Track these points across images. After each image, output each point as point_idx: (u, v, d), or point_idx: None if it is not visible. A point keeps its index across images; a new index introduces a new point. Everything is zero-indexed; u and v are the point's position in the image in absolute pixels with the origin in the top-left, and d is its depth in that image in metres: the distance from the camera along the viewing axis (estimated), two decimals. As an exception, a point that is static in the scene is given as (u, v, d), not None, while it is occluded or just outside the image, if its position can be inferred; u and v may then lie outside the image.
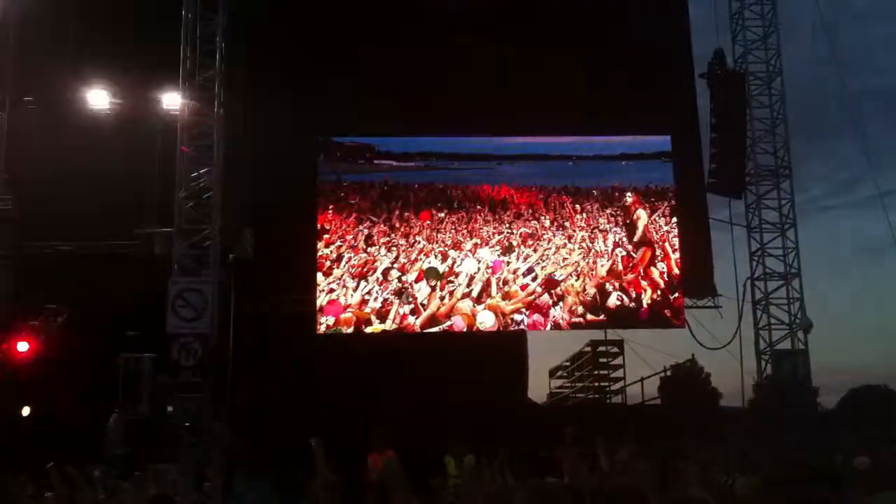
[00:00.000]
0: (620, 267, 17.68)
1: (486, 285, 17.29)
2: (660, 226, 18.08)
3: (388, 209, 17.83)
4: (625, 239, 17.88)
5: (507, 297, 17.32)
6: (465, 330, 17.05)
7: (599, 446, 7.87)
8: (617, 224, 17.98)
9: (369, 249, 17.47)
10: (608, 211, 18.07)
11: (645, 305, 17.59)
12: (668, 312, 17.75)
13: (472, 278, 17.30)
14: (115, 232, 16.31)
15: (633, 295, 17.59)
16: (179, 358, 15.72)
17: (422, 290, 17.21)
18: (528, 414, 19.74)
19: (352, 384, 16.34)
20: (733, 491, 6.57)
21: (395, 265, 17.36)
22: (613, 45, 18.90)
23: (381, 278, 17.23)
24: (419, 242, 17.55)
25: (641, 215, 18.02)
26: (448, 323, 17.08)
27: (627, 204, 18.08)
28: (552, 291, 17.42)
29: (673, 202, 18.21)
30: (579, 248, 17.74)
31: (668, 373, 23.79)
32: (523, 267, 17.49)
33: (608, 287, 17.54)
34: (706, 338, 18.79)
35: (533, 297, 17.36)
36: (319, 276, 17.20)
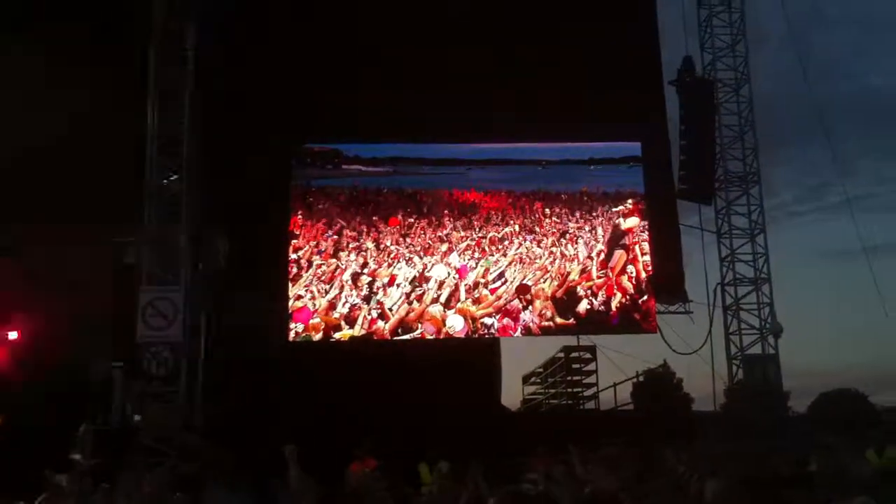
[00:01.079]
0: (593, 271, 17.75)
1: (455, 290, 17.31)
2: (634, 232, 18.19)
3: (357, 214, 17.81)
4: (596, 243, 17.95)
5: (476, 301, 17.35)
6: (434, 335, 17.05)
7: (573, 453, 7.86)
8: (589, 227, 18.06)
9: (338, 254, 17.44)
10: (577, 215, 18.15)
11: (614, 309, 17.67)
12: (637, 316, 17.85)
13: (441, 283, 17.31)
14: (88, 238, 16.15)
15: (604, 298, 17.66)
16: (150, 367, 15.59)
17: (391, 296, 17.19)
18: (501, 420, 19.69)
19: (323, 392, 16.23)
20: (701, 492, 6.60)
21: (365, 270, 17.34)
22: (582, 52, 18.97)
23: (350, 283, 17.21)
24: (388, 247, 17.54)
25: (632, 222, 18.11)
26: (419, 330, 17.08)
27: (623, 209, 18.16)
28: (522, 296, 17.46)
29: (641, 205, 18.31)
30: (549, 253, 17.80)
31: (641, 378, 23.86)
32: (493, 271, 17.52)
33: (578, 291, 17.60)
34: (678, 343, 18.94)
35: (503, 301, 17.40)
36: (290, 283, 17.16)
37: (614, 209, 18.19)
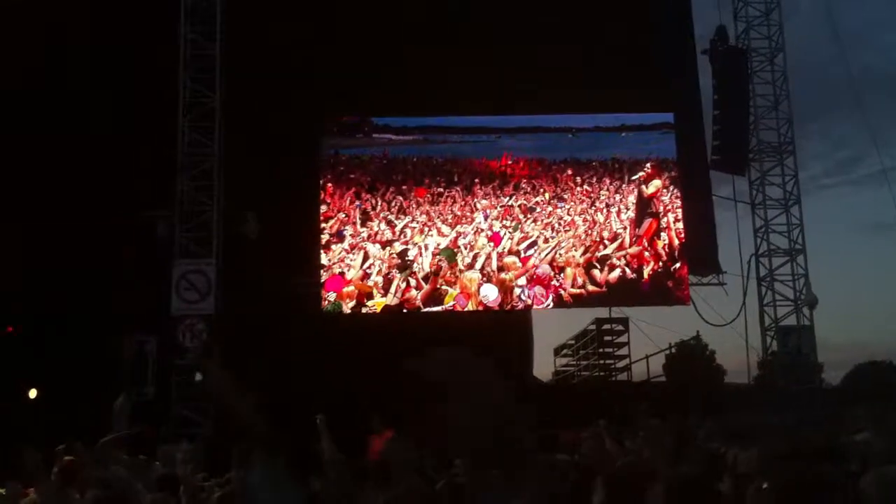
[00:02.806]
0: (625, 238, 17.68)
1: (488, 258, 17.31)
2: (661, 198, 18.07)
3: (387, 183, 17.81)
4: (627, 210, 17.87)
5: (508, 269, 17.32)
6: (467, 304, 17.05)
7: (603, 428, 7.84)
8: (619, 195, 17.98)
9: (368, 223, 17.47)
10: (608, 182, 18.05)
11: (646, 276, 17.59)
12: (670, 284, 17.76)
13: (473, 251, 17.31)
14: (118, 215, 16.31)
15: (635, 266, 17.59)
16: (184, 340, 15.79)
17: (423, 264, 17.22)
18: (533, 392, 19.73)
19: (355, 363, 16.34)
20: (729, 463, 6.59)
21: (397, 239, 17.37)
22: (615, 23, 18.77)
23: (381, 252, 17.25)
24: (419, 216, 17.56)
25: (655, 185, 18.00)
26: (450, 303, 17.09)
27: (643, 175, 18.06)
28: (554, 263, 17.43)
29: (674, 173, 18.18)
30: (580, 220, 17.74)
31: (674, 350, 23.83)
32: (525, 240, 17.49)
33: (611, 259, 17.53)
34: (711, 315, 18.81)
35: (534, 269, 17.37)
36: (322, 252, 17.24)
37: (635, 176, 18.04)
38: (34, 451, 7.34)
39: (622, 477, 4.44)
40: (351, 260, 17.24)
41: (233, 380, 4.01)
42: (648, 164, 18.09)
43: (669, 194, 18.10)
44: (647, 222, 17.81)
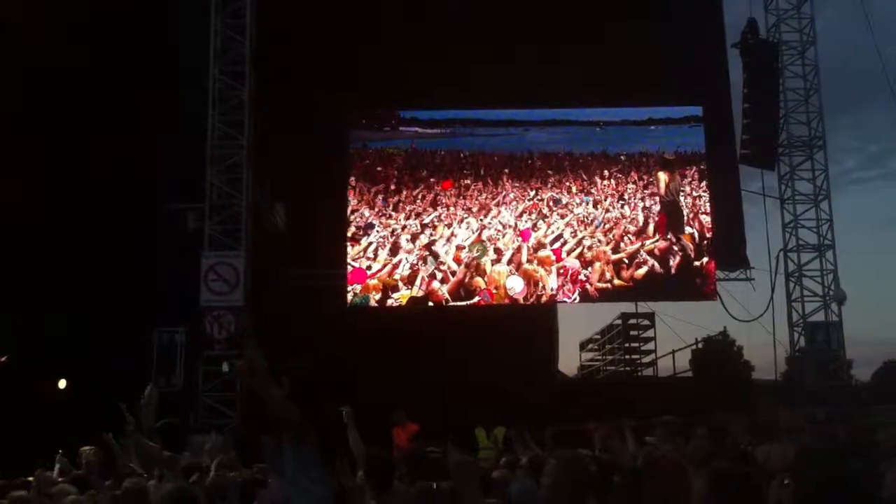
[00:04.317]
0: (651, 231, 17.61)
1: (517, 251, 17.30)
2: (688, 191, 17.98)
3: (414, 176, 17.84)
4: (654, 204, 17.81)
5: (536, 262, 17.30)
6: (493, 295, 17.07)
7: (626, 428, 7.83)
8: (646, 188, 17.91)
9: (396, 216, 17.51)
10: (636, 176, 17.99)
11: (673, 271, 17.51)
12: (697, 279, 17.68)
13: (500, 244, 17.33)
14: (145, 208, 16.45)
15: (662, 260, 17.51)
16: (212, 331, 15.91)
17: (449, 257, 17.24)
18: (558, 386, 19.74)
19: (381, 356, 16.40)
20: (760, 459, 6.58)
21: (422, 232, 17.39)
22: (645, 16, 18.67)
23: (407, 245, 17.28)
24: (446, 209, 17.57)
25: (660, 177, 17.92)
26: (476, 298, 17.11)
27: (653, 165, 18.01)
28: (581, 257, 17.39)
29: (702, 166, 18.08)
30: (607, 214, 17.69)
31: (700, 345, 23.72)
32: (551, 233, 17.47)
33: (638, 252, 17.47)
34: (738, 310, 18.72)
35: (562, 262, 17.34)
36: (349, 245, 17.32)
37: (650, 169, 17.99)
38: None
39: (651, 469, 4.46)
40: (377, 253, 17.29)
41: (267, 367, 4.05)
42: (655, 158, 18.01)
43: (697, 188, 17.99)
44: (673, 215, 17.74)
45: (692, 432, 7.50)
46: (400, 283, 17.17)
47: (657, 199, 17.87)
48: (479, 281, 17.16)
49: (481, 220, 17.51)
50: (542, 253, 17.35)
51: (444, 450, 6.62)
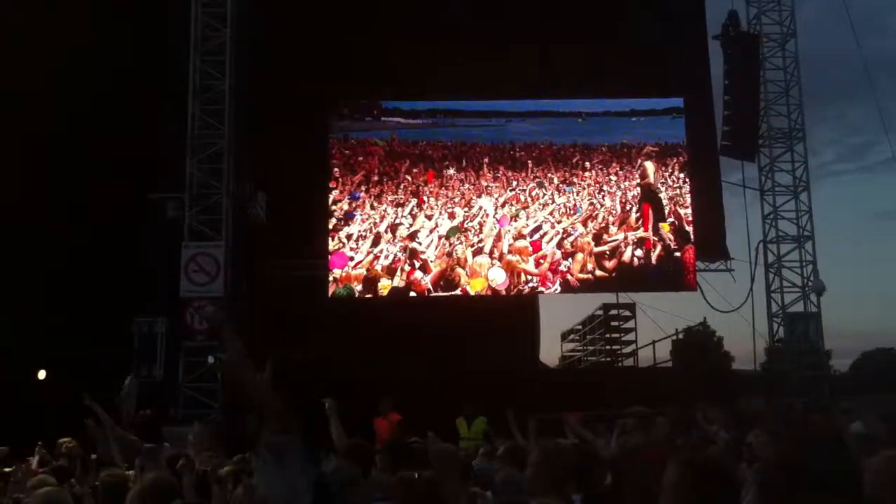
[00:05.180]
0: (632, 222, 17.65)
1: (496, 241, 17.31)
2: (669, 183, 18.03)
3: (396, 167, 17.81)
4: (636, 194, 17.85)
5: (519, 253, 17.32)
6: (474, 285, 17.08)
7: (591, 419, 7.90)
8: (627, 180, 17.94)
9: (377, 207, 17.48)
10: (618, 167, 18.02)
11: (654, 261, 17.57)
12: (677, 269, 17.73)
13: (481, 235, 17.33)
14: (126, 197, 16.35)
15: (643, 251, 17.57)
16: (193, 322, 15.86)
17: (431, 247, 17.23)
18: (540, 376, 19.79)
19: (363, 347, 16.40)
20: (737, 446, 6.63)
21: (404, 222, 17.37)
22: (626, 7, 18.72)
23: (389, 235, 17.27)
24: (427, 199, 17.56)
25: (648, 167, 17.96)
26: (458, 288, 17.12)
27: (640, 156, 18.03)
28: (563, 248, 17.42)
29: (682, 158, 18.13)
30: (588, 205, 17.71)
31: (680, 336, 23.84)
32: (533, 223, 17.48)
33: (618, 244, 17.51)
34: (718, 301, 18.82)
35: (543, 252, 17.36)
36: (330, 235, 17.29)
37: (637, 159, 18.03)
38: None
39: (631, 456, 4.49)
40: (359, 243, 17.27)
41: (248, 354, 4.04)
42: (646, 148, 18.05)
43: (678, 179, 18.04)
44: (654, 205, 17.78)
45: (656, 421, 7.59)
46: (382, 274, 17.15)
47: (640, 189, 17.89)
48: (460, 272, 17.18)
49: (464, 210, 17.51)
50: (522, 243, 17.36)
51: (426, 440, 6.63)
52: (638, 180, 17.93)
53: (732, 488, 2.60)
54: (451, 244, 17.27)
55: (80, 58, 16.64)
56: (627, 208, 17.78)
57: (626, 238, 17.56)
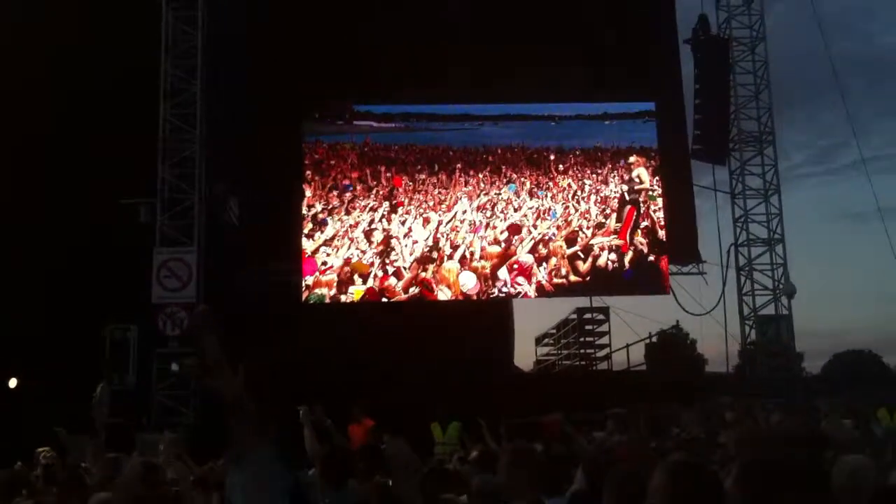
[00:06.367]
0: (608, 226, 17.70)
1: (469, 247, 17.31)
2: (640, 187, 18.12)
3: (369, 171, 17.76)
4: (610, 198, 17.90)
5: (489, 257, 17.33)
6: (446, 290, 17.07)
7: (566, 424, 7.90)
8: (603, 184, 18.00)
9: (350, 211, 17.43)
10: (590, 171, 18.09)
11: (627, 265, 17.64)
12: (650, 273, 17.80)
13: (453, 239, 17.32)
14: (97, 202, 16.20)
15: (617, 255, 17.63)
16: (165, 328, 15.74)
17: (404, 252, 17.20)
18: (514, 381, 19.78)
19: (337, 352, 16.33)
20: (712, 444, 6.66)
21: (377, 227, 17.32)
22: (596, 12, 18.79)
23: (362, 240, 17.22)
24: (400, 204, 17.53)
25: (643, 174, 18.04)
26: (433, 293, 17.10)
27: (630, 163, 18.10)
28: (536, 252, 17.44)
29: (654, 162, 18.22)
30: (562, 209, 17.76)
31: (654, 339, 23.91)
32: (506, 228, 17.49)
33: (592, 248, 17.56)
34: (691, 304, 18.92)
35: (516, 257, 17.38)
36: (303, 240, 17.21)
37: (623, 163, 18.10)
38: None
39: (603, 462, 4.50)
40: (333, 248, 17.21)
41: (224, 356, 4.00)
42: (635, 155, 18.13)
43: (645, 182, 18.11)
44: (628, 210, 17.85)
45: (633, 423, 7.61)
46: (355, 279, 17.10)
47: (629, 195, 17.93)
48: (429, 278, 17.16)
49: (437, 214, 17.49)
50: (494, 249, 17.37)
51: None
52: (614, 184, 17.99)
53: (720, 492, 2.61)
54: (427, 248, 17.24)
55: (59, 61, 16.50)
56: (607, 213, 17.84)
57: (600, 242, 17.62)
